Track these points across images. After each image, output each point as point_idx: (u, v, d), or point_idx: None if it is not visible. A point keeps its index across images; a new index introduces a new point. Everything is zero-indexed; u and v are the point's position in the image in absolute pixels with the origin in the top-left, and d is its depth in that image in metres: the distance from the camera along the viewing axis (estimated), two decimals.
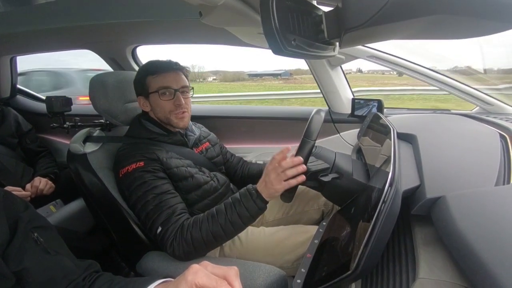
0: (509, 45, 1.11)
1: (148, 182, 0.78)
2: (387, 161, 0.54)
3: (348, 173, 0.74)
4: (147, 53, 1.47)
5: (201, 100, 5.84)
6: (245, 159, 1.20)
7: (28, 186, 1.15)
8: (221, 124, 1.44)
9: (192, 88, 0.93)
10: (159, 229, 0.74)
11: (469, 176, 0.51)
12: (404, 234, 0.50)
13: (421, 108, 1.77)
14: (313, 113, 0.70)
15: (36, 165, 1.36)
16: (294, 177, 0.68)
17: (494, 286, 0.29)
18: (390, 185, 0.43)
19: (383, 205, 0.41)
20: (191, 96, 0.94)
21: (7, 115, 1.39)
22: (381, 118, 0.83)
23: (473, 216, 0.38)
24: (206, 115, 1.46)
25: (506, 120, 0.87)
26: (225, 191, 0.97)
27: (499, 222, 0.36)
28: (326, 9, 0.42)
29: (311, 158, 0.75)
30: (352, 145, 1.24)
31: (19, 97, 1.77)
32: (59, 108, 1.18)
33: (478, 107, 1.20)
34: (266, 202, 0.72)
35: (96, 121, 1.13)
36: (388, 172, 0.46)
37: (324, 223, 0.74)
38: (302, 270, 0.58)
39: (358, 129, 1.06)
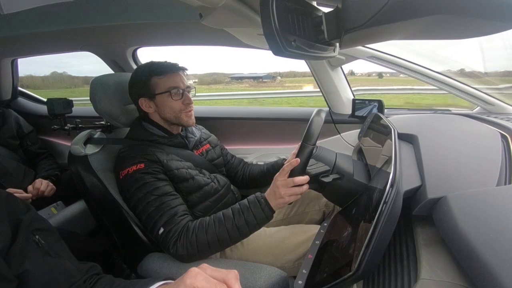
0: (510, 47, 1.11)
1: (149, 184, 0.78)
2: (388, 162, 0.54)
3: (349, 173, 0.74)
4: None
5: None
6: (245, 160, 1.20)
7: (29, 188, 1.15)
8: (221, 125, 1.44)
9: (194, 88, 0.95)
10: (162, 229, 0.74)
11: (471, 176, 0.51)
12: (406, 235, 0.50)
13: (421, 108, 1.77)
14: (313, 114, 0.70)
15: (37, 167, 1.36)
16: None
17: (496, 287, 0.29)
18: (391, 185, 0.43)
19: (384, 205, 0.41)
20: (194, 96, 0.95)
21: (8, 117, 1.39)
22: (381, 118, 0.83)
23: (474, 217, 0.38)
24: (207, 116, 1.46)
25: (507, 120, 0.86)
26: (225, 192, 0.97)
27: (501, 222, 0.36)
28: (326, 9, 0.42)
29: (311, 161, 0.75)
30: (352, 146, 1.24)
31: (20, 99, 1.77)
32: (60, 110, 1.18)
33: (479, 107, 1.20)
34: (273, 212, 0.73)
35: (97, 123, 1.13)
36: (389, 173, 0.46)
37: (325, 224, 0.74)
38: (304, 271, 0.58)
39: (359, 130, 1.06)
